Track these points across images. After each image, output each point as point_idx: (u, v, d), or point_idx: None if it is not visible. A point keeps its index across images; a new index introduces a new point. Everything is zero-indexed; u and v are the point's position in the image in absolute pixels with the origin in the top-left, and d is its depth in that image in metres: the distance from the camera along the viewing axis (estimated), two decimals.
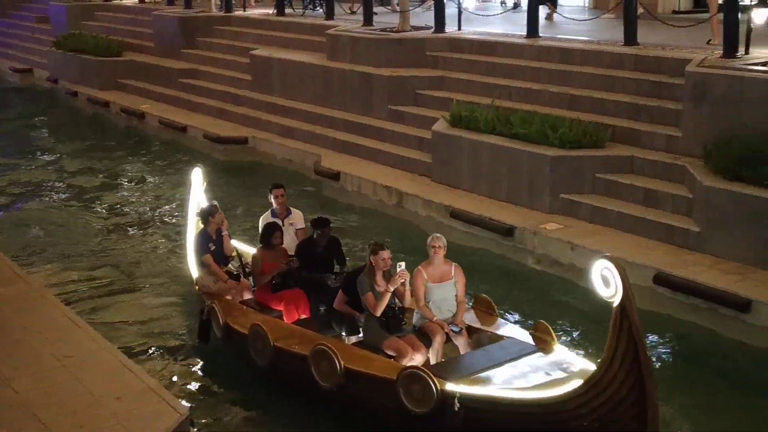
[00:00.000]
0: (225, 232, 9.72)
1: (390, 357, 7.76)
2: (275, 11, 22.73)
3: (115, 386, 5.37)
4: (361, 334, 8.37)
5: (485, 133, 13.20)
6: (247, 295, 9.52)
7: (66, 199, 15.67)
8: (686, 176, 11.22)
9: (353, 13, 21.44)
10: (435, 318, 8.12)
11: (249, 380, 8.73)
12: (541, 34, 16.21)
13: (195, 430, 5.59)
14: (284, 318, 8.86)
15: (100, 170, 17.64)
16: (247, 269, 10.02)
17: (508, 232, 11.87)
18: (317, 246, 9.32)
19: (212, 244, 9.62)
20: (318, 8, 23.18)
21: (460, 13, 17.85)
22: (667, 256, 10.38)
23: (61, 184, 16.86)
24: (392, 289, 7.87)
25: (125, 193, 16.11)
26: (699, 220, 10.56)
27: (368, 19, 19.04)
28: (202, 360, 9.29)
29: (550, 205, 12.16)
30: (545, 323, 7.85)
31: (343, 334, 8.53)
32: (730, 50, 12.35)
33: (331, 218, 13.76)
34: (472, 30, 17.65)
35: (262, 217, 10.11)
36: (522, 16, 16.71)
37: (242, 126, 18.78)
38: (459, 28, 17.67)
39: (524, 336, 8.02)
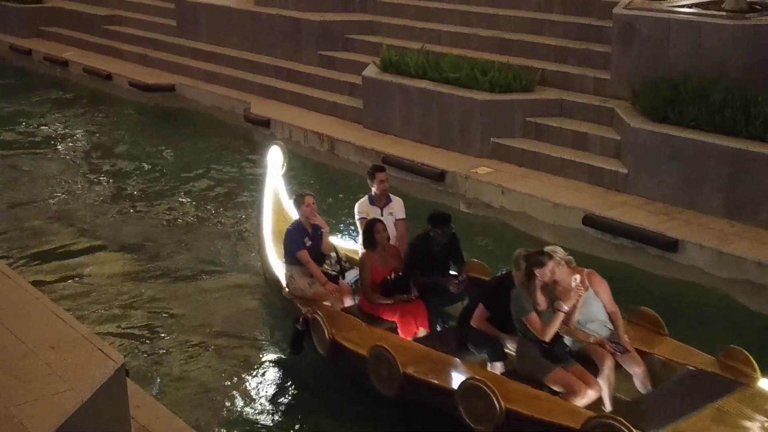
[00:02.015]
0: (324, 229, 8.26)
1: (555, 393, 6.32)
2: None
3: (47, 335, 5.30)
4: (502, 361, 6.95)
5: (416, 78, 13.19)
6: (348, 302, 8.10)
7: None
8: (614, 119, 11.39)
9: None
10: (593, 338, 6.65)
11: (175, 327, 8.74)
12: None
13: (129, 378, 5.57)
14: (399, 332, 7.56)
15: (23, 120, 17.19)
16: (345, 268, 8.53)
17: (439, 176, 11.94)
18: (435, 245, 7.87)
19: (308, 239, 8.13)
20: None
21: None
22: (596, 198, 10.57)
23: None
24: (567, 309, 6.37)
25: (50, 140, 15.77)
26: (627, 161, 10.76)
27: None
28: (139, 311, 9.23)
29: (480, 149, 12.24)
30: (743, 351, 6.44)
31: (485, 358, 7.03)
32: None
33: (256, 164, 13.90)
34: None
35: (357, 204, 8.62)
36: None
37: (169, 73, 18.40)
38: None
39: (710, 363, 6.57)
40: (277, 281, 8.50)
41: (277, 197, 9.17)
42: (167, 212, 12.14)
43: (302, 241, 8.07)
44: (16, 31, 23.14)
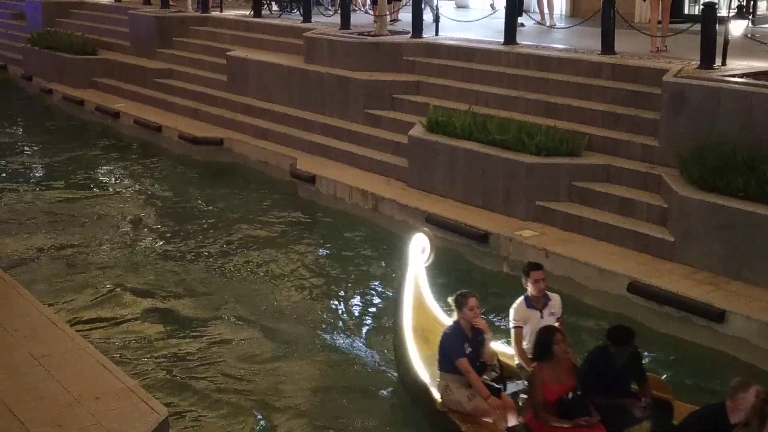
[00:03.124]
0: (487, 334, 7.48)
1: None
2: (252, 13, 22.68)
3: (92, 386, 5.33)
4: None
5: (462, 138, 13.25)
6: (512, 420, 7.21)
7: (41, 199, 15.48)
8: (662, 186, 11.32)
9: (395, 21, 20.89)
10: None
11: (228, 388, 8.62)
12: (518, 41, 16.28)
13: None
14: None
15: (73, 168, 17.49)
16: (507, 380, 7.57)
17: (482, 238, 11.91)
18: (615, 362, 6.99)
19: (468, 345, 7.31)
20: (294, 11, 23.13)
21: (437, 18, 17.90)
22: (641, 266, 10.45)
23: (34, 177, 16.76)
24: None
25: (99, 190, 16.02)
26: (673, 229, 10.66)
27: (345, 23, 19.05)
28: (182, 363, 9.18)
29: (525, 212, 12.21)
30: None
31: None
32: (707, 61, 12.46)
33: (307, 221, 13.98)
34: (449, 36, 17.71)
35: (513, 309, 7.79)
36: (499, 24, 16.78)
37: (218, 127, 18.69)
38: (436, 34, 17.72)
39: None
40: (424, 390, 7.58)
41: (418, 290, 8.33)
42: (215, 265, 12.15)
43: (462, 348, 7.25)
44: (70, 82, 23.71)
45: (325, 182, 14.89)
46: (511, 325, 7.74)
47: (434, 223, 12.52)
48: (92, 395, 5.22)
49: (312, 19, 20.82)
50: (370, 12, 20.09)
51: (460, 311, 7.38)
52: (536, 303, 7.70)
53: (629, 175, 11.93)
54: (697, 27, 13.03)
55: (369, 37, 17.73)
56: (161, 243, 13.02)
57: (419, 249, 8.16)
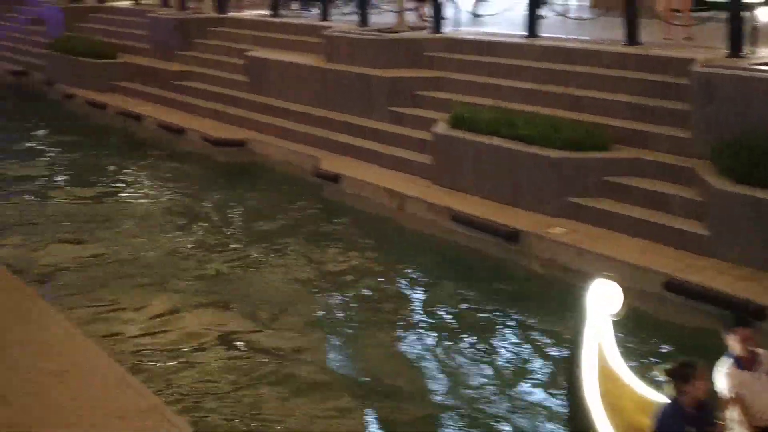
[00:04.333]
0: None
1: None
2: (270, 12, 22.52)
3: (116, 404, 5.18)
4: None
5: (488, 134, 13.01)
6: None
7: (67, 206, 15.38)
8: (694, 178, 11.03)
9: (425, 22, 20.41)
10: None
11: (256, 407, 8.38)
12: (540, 34, 16.01)
13: None
14: None
15: (96, 172, 17.42)
16: None
17: (512, 235, 11.67)
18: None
19: (691, 428, 6.04)
20: (312, 9, 22.93)
21: (458, 13, 17.67)
22: (677, 262, 10.16)
23: (57, 181, 16.75)
24: None
25: (122, 193, 15.94)
26: (709, 223, 10.37)
27: (364, 20, 18.85)
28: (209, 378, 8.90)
29: (554, 208, 11.96)
30: None
31: None
32: (734, 49, 12.16)
33: (332, 221, 13.81)
34: (470, 30, 17.47)
35: (725, 375, 6.37)
36: (520, 16, 16.52)
37: (240, 128, 18.56)
38: (457, 28, 17.48)
39: None
40: None
41: (601, 350, 7.14)
42: (240, 271, 11.94)
43: (681, 429, 6.09)
44: (92, 86, 23.67)
45: (349, 181, 14.70)
46: (728, 393, 6.39)
47: (461, 221, 12.32)
48: (116, 414, 5.08)
49: (330, 17, 20.62)
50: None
51: (684, 384, 6.03)
52: (748, 364, 6.43)
53: (660, 168, 11.65)
54: (721, 15, 12.71)
55: (388, 34, 17.51)
56: (185, 248, 12.88)
57: (602, 299, 6.78)
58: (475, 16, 18.99)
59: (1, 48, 31.86)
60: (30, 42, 30.58)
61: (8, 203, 15.41)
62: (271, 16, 22.32)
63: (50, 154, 19.60)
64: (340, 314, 10.61)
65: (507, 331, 9.89)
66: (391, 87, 16.11)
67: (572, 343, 7.09)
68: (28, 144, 20.54)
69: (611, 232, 11.24)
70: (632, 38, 14.32)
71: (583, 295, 6.70)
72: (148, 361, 9.03)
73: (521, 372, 8.89)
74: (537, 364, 9.07)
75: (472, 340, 9.53)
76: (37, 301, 6.94)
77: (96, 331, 9.50)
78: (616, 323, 6.73)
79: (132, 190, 16.32)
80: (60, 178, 17.54)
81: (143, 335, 9.76)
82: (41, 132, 21.94)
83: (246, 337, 9.82)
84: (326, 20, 20.44)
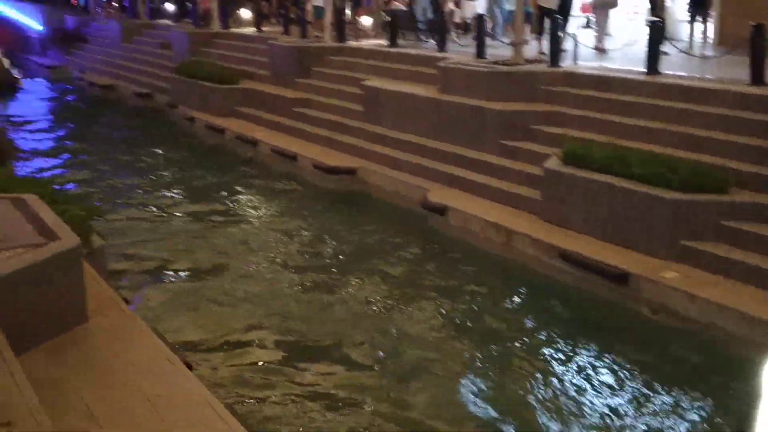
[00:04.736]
0: None
1: None
2: (388, 42, 22.69)
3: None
4: None
5: (600, 172, 12.69)
6: None
7: (184, 228, 15.74)
8: None
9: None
10: None
11: None
12: (661, 71, 15.59)
13: None
14: None
15: (210, 194, 17.80)
16: None
17: (621, 278, 11.31)
18: None
19: None
20: (430, 40, 23.00)
21: (576, 47, 17.42)
22: None
23: (172, 201, 17.23)
24: None
25: (233, 217, 16.20)
26: None
27: (480, 52, 18.76)
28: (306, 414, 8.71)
29: (667, 251, 11.54)
30: None
31: None
32: None
33: (437, 254, 13.62)
34: (588, 64, 17.17)
35: None
36: (641, 52, 16.13)
37: (352, 156, 18.71)
38: (575, 63, 17.22)
39: None
40: None
41: None
42: (347, 300, 11.86)
43: None
44: (212, 110, 24.33)
45: (456, 214, 14.57)
46: None
47: (570, 260, 12.03)
48: None
49: (447, 49, 20.63)
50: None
51: None
52: None
53: None
54: None
55: (504, 67, 17.37)
56: (291, 275, 12.92)
57: None
58: (598, 50, 18.67)
59: (129, 70, 33.17)
60: (157, 65, 31.74)
61: (121, 217, 15.92)
62: (389, 46, 22.49)
63: (165, 174, 20.17)
64: (454, 355, 10.25)
65: (631, 384, 9.37)
66: (505, 120, 15.95)
67: (744, 418, 6.63)
68: (147, 162, 21.23)
69: (726, 278, 10.77)
70: (757, 78, 13.79)
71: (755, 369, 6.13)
72: (247, 398, 8.93)
73: None
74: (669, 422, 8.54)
75: (590, 396, 9.16)
76: (138, 322, 7.04)
77: (196, 358, 9.57)
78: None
79: (241, 213, 16.57)
80: (172, 196, 17.96)
81: (246, 369, 9.62)
82: (159, 152, 22.60)
83: (356, 380, 9.47)
84: (443, 52, 20.45)
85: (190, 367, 7.53)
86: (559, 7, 18.61)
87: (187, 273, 13.02)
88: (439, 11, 22.22)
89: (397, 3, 23.98)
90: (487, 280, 12.60)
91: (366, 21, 25.67)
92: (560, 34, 17.58)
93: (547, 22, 18.65)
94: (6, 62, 34.40)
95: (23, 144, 22.79)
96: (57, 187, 11.80)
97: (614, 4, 20.68)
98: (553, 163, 13.63)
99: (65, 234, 7.23)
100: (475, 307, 11.65)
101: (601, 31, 20.18)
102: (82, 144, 24.03)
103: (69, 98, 33.23)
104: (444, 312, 11.48)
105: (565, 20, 18.89)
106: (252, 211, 16.77)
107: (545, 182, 13.69)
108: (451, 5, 23.27)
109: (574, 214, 12.97)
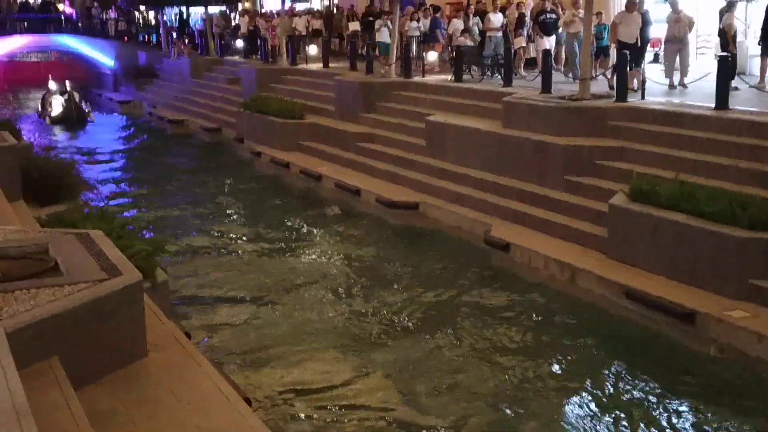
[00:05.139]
0: None
1: None
2: (453, 77, 22.71)
3: None
4: None
5: (667, 209, 12.46)
6: None
7: (247, 258, 15.91)
8: None
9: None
10: None
11: None
12: (731, 107, 15.30)
13: None
14: None
15: (273, 228, 17.93)
16: None
17: (688, 317, 11.05)
18: None
19: None
20: (496, 75, 22.95)
21: (644, 82, 17.19)
22: None
23: (236, 234, 17.44)
24: None
25: (295, 250, 16.28)
26: None
27: (546, 87, 18.65)
28: None
29: (736, 290, 11.24)
30: None
31: None
32: None
33: (500, 291, 13.41)
34: (655, 100, 16.94)
35: None
36: (710, 87, 15.84)
37: (414, 191, 18.69)
38: (642, 98, 16.99)
39: None
40: None
41: None
42: (409, 336, 11.78)
43: None
44: (278, 145, 24.61)
45: (519, 250, 14.43)
46: None
47: (635, 298, 11.81)
48: None
49: (513, 84, 20.57)
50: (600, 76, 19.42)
51: None
52: None
53: None
54: None
55: (570, 102, 17.22)
56: (353, 309, 12.90)
57: None
58: (670, 87, 18.40)
59: (199, 106, 33.78)
60: (226, 100, 32.27)
61: (187, 249, 16.14)
62: (454, 81, 22.50)
63: (230, 208, 20.41)
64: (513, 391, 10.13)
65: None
66: (569, 155, 15.79)
67: None
68: (212, 195, 21.52)
69: None
70: None
71: None
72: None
73: None
74: None
75: None
76: (197, 357, 7.07)
77: (254, 393, 9.56)
78: None
79: (304, 247, 16.65)
80: (235, 229, 18.16)
81: (305, 406, 9.59)
82: (225, 186, 22.89)
83: (402, 414, 9.42)
84: (508, 86, 20.39)
85: (249, 402, 7.55)
86: (635, 42, 18.41)
87: (250, 304, 13.08)
88: (509, 47, 22.15)
89: (463, 39, 23.98)
90: (550, 316, 12.42)
91: (432, 56, 25.74)
92: (637, 68, 17.38)
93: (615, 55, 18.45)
94: (77, 96, 35.33)
95: (92, 176, 23.31)
96: (125, 215, 11.94)
97: (684, 40, 20.38)
98: (619, 200, 13.42)
99: (127, 269, 7.33)
100: (534, 343, 11.52)
101: (671, 66, 19.90)
102: (149, 175, 24.53)
103: (139, 132, 33.95)
104: (499, 346, 11.36)
105: (641, 55, 18.71)
106: (311, 246, 16.82)
107: (611, 219, 13.48)
108: (523, 42, 23.19)
109: (639, 252, 12.73)
